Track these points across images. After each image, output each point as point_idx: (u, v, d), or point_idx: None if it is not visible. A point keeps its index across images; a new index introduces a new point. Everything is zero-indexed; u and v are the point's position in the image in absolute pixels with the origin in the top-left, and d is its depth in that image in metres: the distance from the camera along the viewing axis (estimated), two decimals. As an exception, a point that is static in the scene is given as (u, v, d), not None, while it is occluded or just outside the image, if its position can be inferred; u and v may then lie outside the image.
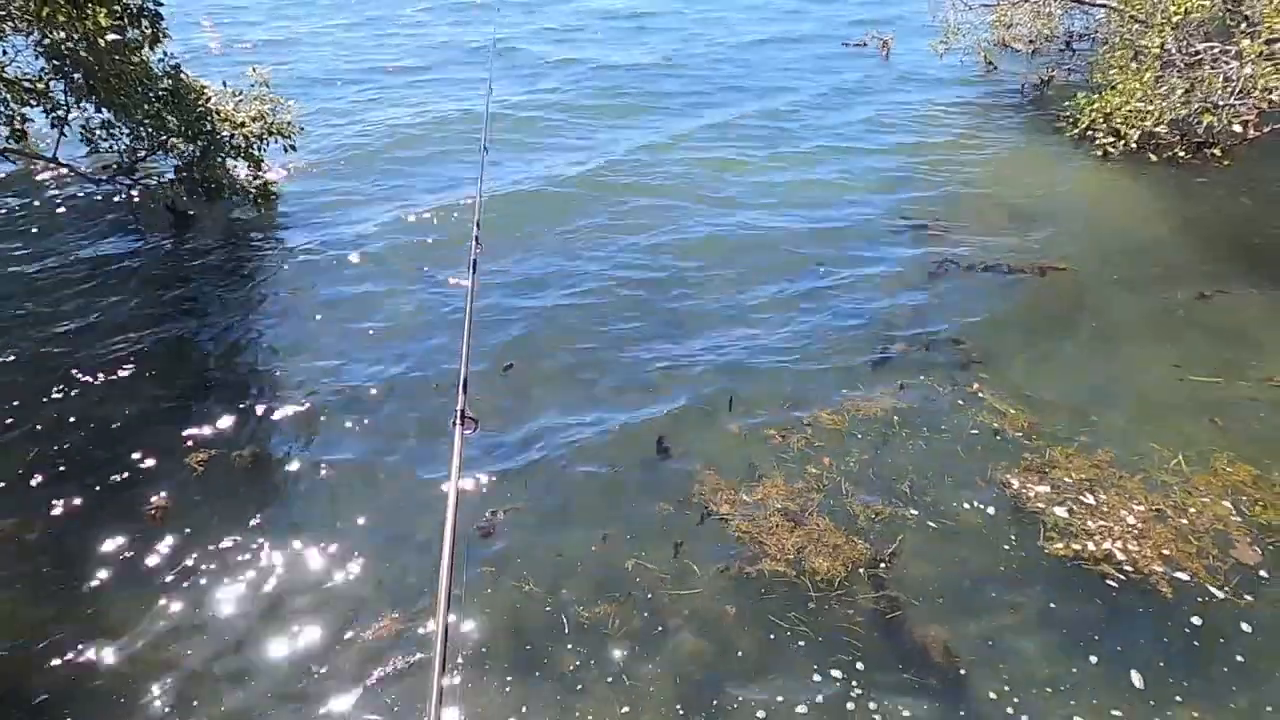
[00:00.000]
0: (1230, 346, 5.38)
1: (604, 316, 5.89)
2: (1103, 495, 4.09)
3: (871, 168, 8.51)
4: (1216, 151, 8.07)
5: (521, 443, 4.64)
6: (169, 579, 3.81)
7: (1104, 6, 9.42)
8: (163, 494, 4.26)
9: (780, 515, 4.04)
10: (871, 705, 3.20)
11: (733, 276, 6.37)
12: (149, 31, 6.52)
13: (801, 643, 3.45)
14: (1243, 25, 6.94)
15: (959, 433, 4.60)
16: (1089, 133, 8.43)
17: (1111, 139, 8.22)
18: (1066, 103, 8.86)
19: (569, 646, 3.47)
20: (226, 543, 4.00)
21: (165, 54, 6.94)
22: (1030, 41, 10.68)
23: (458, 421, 2.22)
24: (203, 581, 3.81)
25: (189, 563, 3.89)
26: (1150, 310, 5.85)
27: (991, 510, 4.07)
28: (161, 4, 6.64)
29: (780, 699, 3.24)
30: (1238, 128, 7.15)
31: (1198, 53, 7.18)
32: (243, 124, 7.21)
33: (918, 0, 11.65)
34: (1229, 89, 6.86)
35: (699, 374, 5.20)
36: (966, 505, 4.10)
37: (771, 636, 3.48)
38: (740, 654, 3.42)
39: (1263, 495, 4.09)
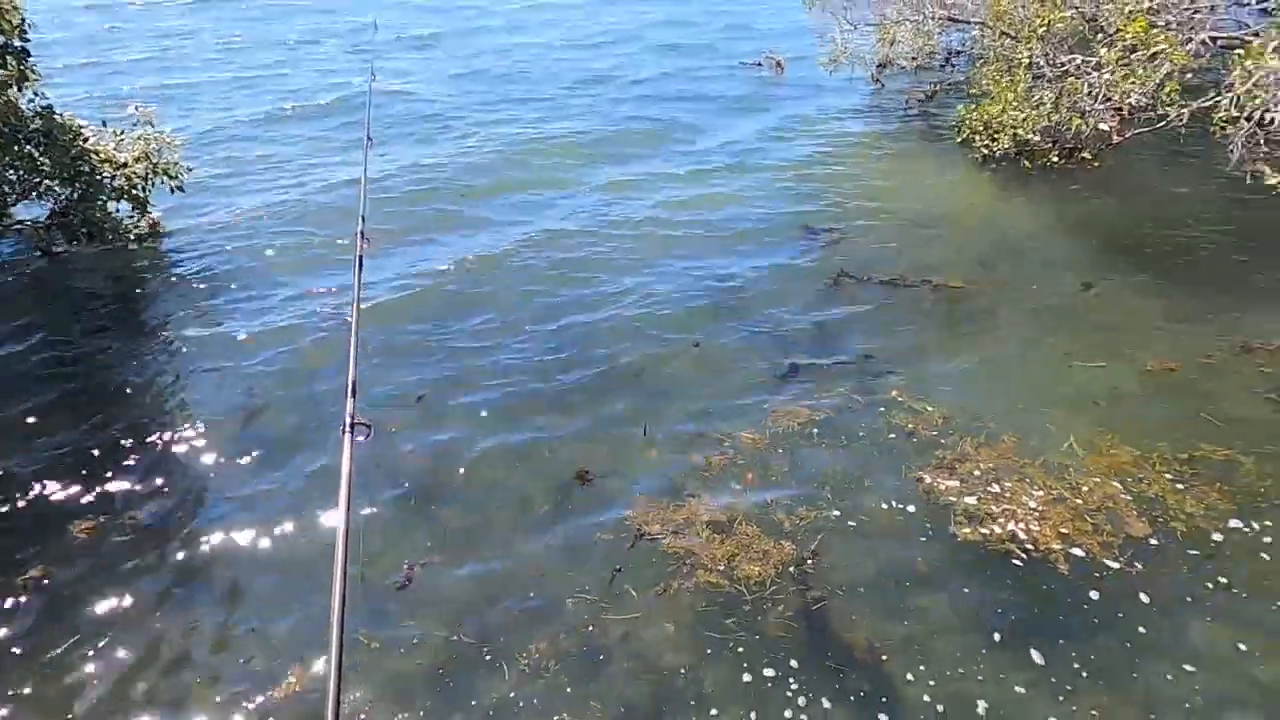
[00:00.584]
0: (1111, 334, 5.75)
1: (509, 340, 5.85)
2: (1007, 483, 4.29)
3: (770, 182, 8.76)
4: (1086, 155, 8.66)
5: (435, 476, 4.54)
6: (42, 654, 3.53)
7: (978, 24, 10.01)
8: (39, 562, 3.97)
9: (709, 528, 4.09)
10: (802, 701, 3.27)
11: (639, 294, 6.43)
12: (15, 70, 6.18)
13: (740, 648, 3.49)
14: (1099, 36, 7.47)
15: (874, 436, 4.75)
16: (971, 141, 8.92)
17: (990, 146, 8.71)
18: (950, 114, 9.38)
19: (507, 689, 3.38)
20: (104, 611, 3.74)
21: (36, 94, 6.61)
22: (913, 58, 11.22)
23: (347, 429, 2.07)
24: (78, 658, 3.54)
25: (63, 637, 3.61)
26: (1038, 306, 6.19)
27: (910, 507, 4.20)
28: (28, 40, 6.32)
29: (717, 706, 3.25)
30: (1104, 126, 7.68)
31: (1064, 64, 7.70)
32: (125, 164, 6.91)
33: (807, 21, 12.09)
34: (1093, 95, 7.36)
35: (614, 395, 5.22)
36: (884, 504, 4.23)
37: (709, 649, 3.51)
38: (682, 670, 3.43)
39: (1144, 473, 4.36)
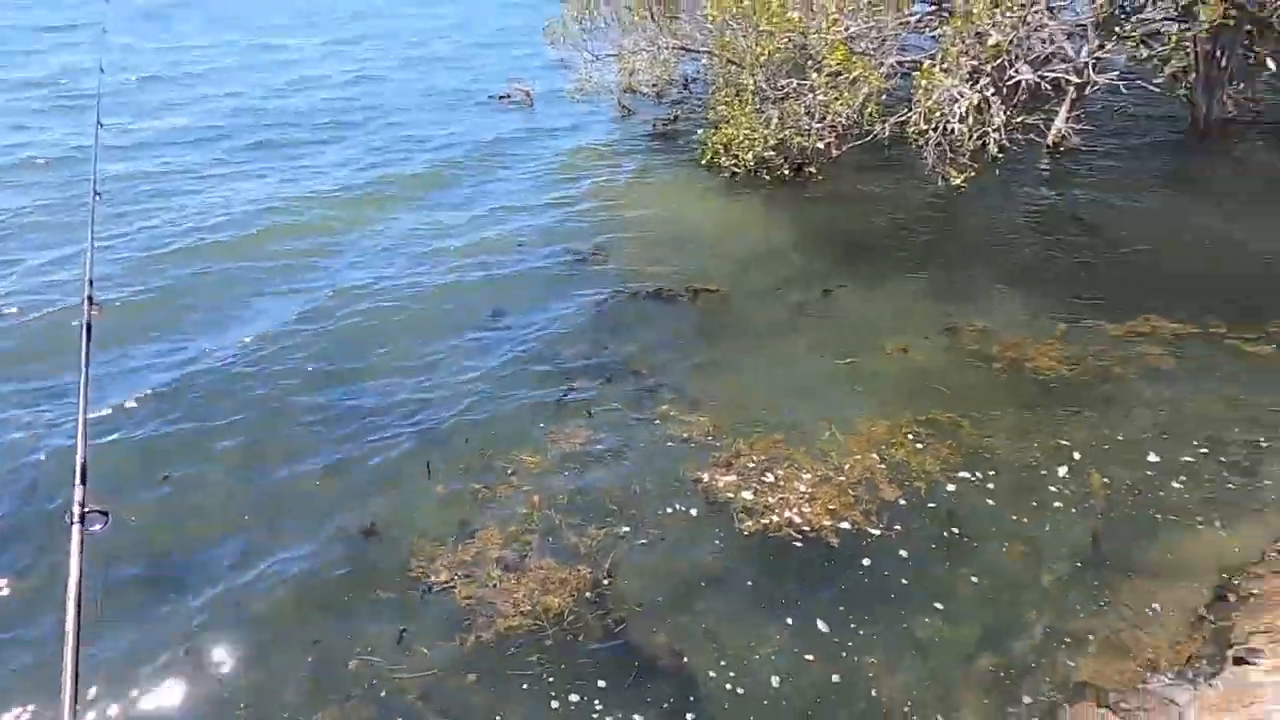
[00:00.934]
0: (855, 329, 6.37)
1: (272, 393, 5.40)
2: (780, 472, 4.59)
3: (533, 211, 8.86)
4: (812, 169, 9.61)
5: (188, 560, 4.05)
6: None
7: (706, 52, 10.79)
8: None
9: (501, 567, 3.97)
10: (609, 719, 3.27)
11: (407, 334, 6.21)
12: None
13: (550, 678, 3.42)
14: (809, 63, 8.34)
15: (652, 444, 4.89)
16: (716, 161, 9.55)
17: (734, 165, 9.39)
18: (693, 137, 10.02)
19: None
20: None
21: None
22: (654, 86, 11.86)
23: (76, 519, 1.75)
24: None
25: None
26: (789, 309, 6.73)
27: (694, 510, 4.36)
28: None
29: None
30: (821, 145, 8.58)
31: (783, 87, 8.50)
32: None
33: (551, 53, 12.39)
34: (810, 115, 8.19)
35: (392, 443, 4.96)
36: (669, 510, 4.35)
37: (514, 688, 3.39)
38: (487, 712, 3.29)
39: (894, 439, 4.88)
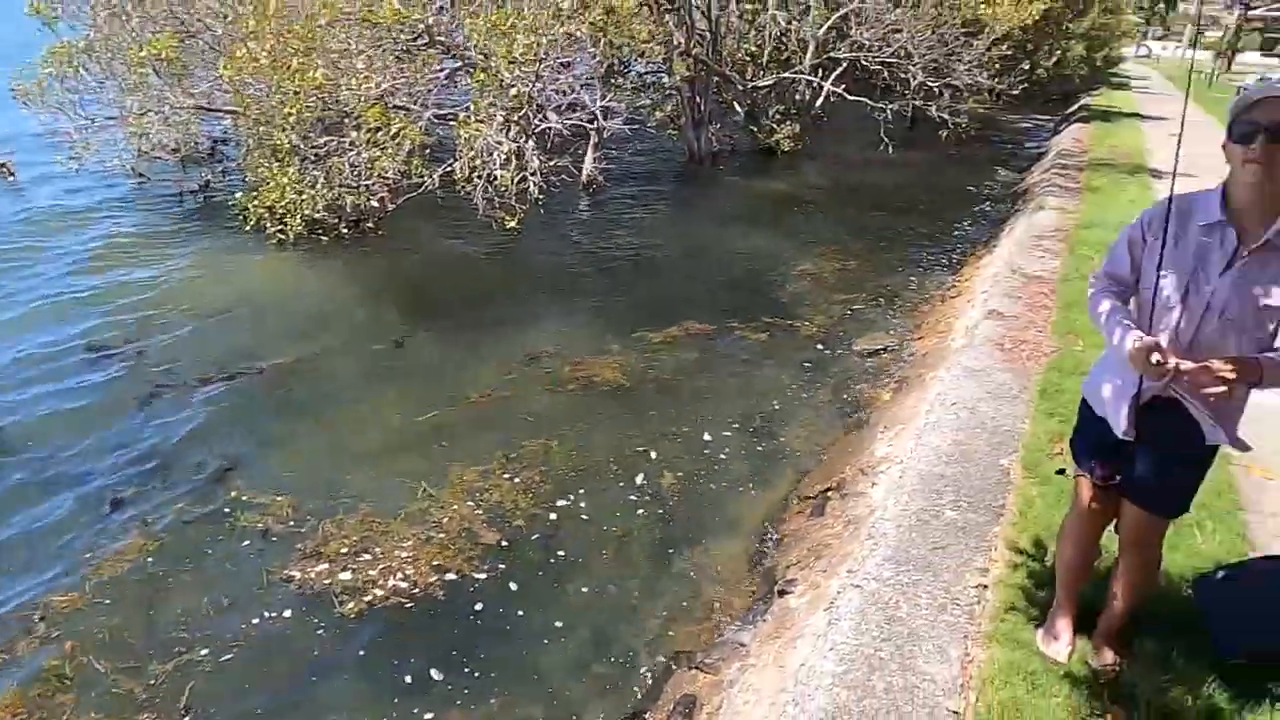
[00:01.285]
0: (433, 378, 6.38)
1: None
2: (377, 546, 4.38)
3: (43, 305, 7.36)
4: (370, 224, 9.49)
5: None
6: None
7: (229, 112, 10.00)
8: None
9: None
10: None
11: None
12: None
13: None
14: (347, 120, 8.21)
15: (226, 547, 4.35)
16: (262, 226, 8.88)
17: (281, 229, 8.82)
18: (230, 204, 9.19)
19: None
20: None
21: None
22: (175, 149, 10.64)
23: None
24: None
25: None
26: (363, 370, 6.50)
27: (287, 611, 3.95)
28: None
29: None
30: (375, 203, 8.51)
31: (323, 145, 8.24)
32: None
33: (28, 116, 10.35)
34: (356, 172, 8.07)
35: None
36: (257, 619, 3.89)
37: None
38: None
39: (486, 484, 4.98)
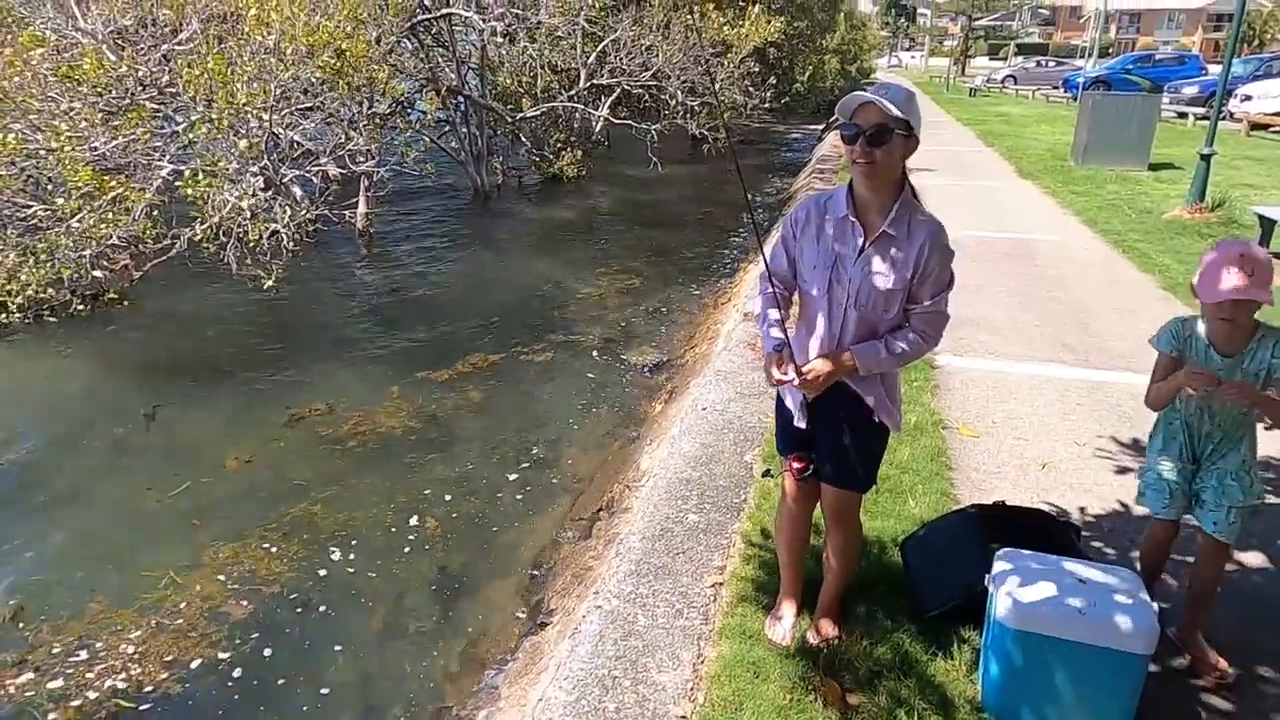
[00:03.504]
0: (186, 452, 5.85)
1: None
2: (99, 643, 3.92)
3: None
4: (112, 294, 8.63)
5: None
6: None
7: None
8: None
9: None
10: None
11: None
12: None
13: None
14: (51, 187, 7.43)
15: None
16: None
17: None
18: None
19: None
20: None
21: None
22: None
23: None
24: None
25: None
26: (104, 456, 5.85)
27: None
28: None
29: None
30: (100, 273, 7.74)
31: (29, 216, 7.40)
32: None
33: None
34: (77, 244, 7.29)
35: None
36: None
37: None
38: None
39: (242, 555, 4.61)
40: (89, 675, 3.72)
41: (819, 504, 3.01)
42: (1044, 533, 3.20)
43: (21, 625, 4.07)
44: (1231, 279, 2.49)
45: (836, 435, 2.76)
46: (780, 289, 2.79)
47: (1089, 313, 7.16)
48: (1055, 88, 36.26)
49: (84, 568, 4.60)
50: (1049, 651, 2.53)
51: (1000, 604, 2.59)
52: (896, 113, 2.39)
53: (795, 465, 2.84)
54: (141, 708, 3.58)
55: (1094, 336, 6.54)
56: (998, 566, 2.72)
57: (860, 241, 2.57)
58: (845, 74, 28.30)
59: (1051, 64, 46.74)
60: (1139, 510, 3.41)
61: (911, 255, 2.51)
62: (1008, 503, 3.45)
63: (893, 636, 3.02)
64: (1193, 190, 10.96)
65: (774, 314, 2.72)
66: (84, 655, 3.84)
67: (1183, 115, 23.40)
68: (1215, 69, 25.43)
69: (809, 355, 2.70)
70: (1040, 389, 5.50)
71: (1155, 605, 2.55)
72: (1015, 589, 2.59)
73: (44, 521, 5.09)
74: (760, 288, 2.83)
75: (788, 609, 3.18)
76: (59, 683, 3.68)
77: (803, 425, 2.78)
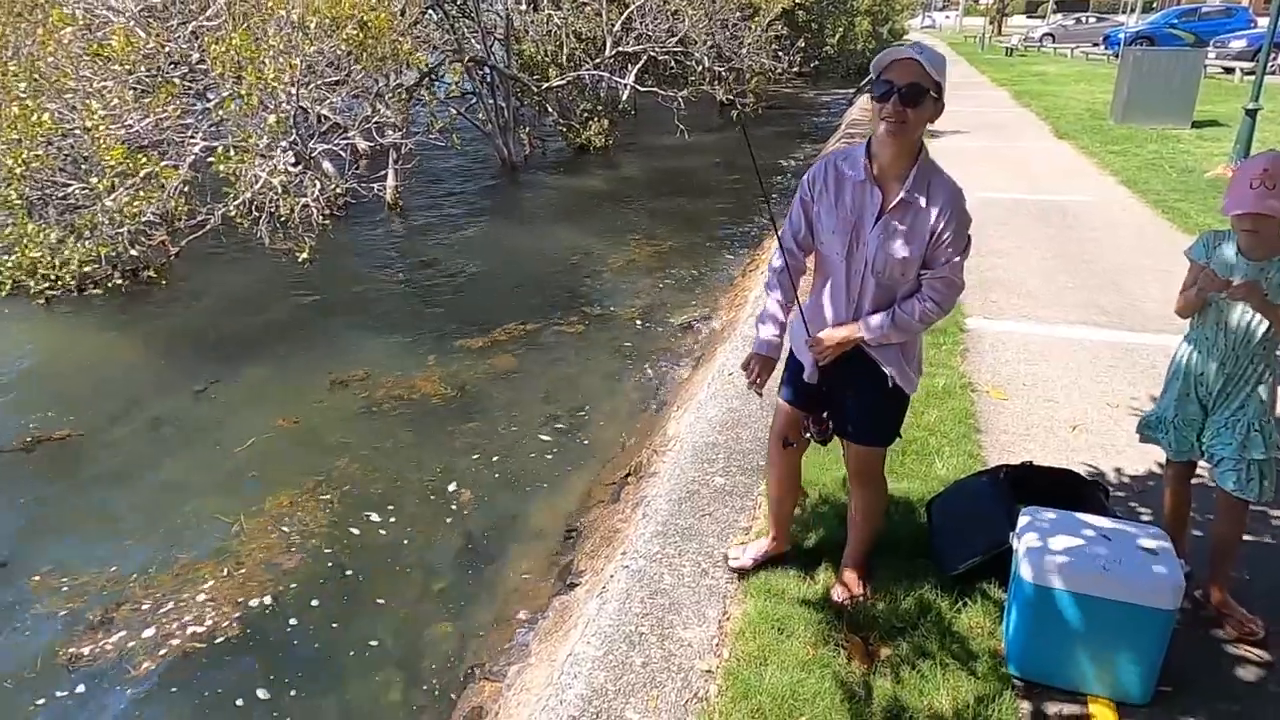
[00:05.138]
0: (237, 417, 6.03)
1: None
2: (183, 595, 4.10)
3: None
4: (151, 273, 8.82)
5: None
6: None
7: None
8: None
9: None
10: None
11: None
12: None
13: None
14: (86, 166, 7.58)
15: (11, 640, 3.95)
16: (26, 288, 8.05)
17: (50, 288, 8.05)
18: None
19: None
20: None
21: None
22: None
23: None
24: None
25: None
26: (159, 425, 6.03)
27: (79, 688, 3.61)
28: None
29: None
30: (134, 250, 7.91)
31: (66, 196, 7.57)
32: None
33: None
34: (113, 220, 7.44)
35: None
36: (36, 704, 3.54)
37: None
38: None
39: (296, 508, 4.78)
40: (169, 626, 3.91)
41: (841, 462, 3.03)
42: (1072, 492, 3.19)
43: (110, 584, 4.27)
44: (1251, 192, 2.47)
45: (857, 395, 2.77)
46: (795, 260, 2.79)
47: (1125, 274, 7.01)
48: (1095, 45, 35.10)
49: (154, 526, 4.79)
50: (1073, 607, 2.53)
51: (1024, 560, 2.60)
52: (932, 73, 2.35)
53: (815, 428, 2.85)
54: (213, 652, 3.76)
55: (1130, 298, 6.41)
56: (1022, 523, 2.72)
57: (878, 207, 2.54)
58: (876, 35, 27.64)
59: (1092, 20, 45.22)
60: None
61: (929, 219, 2.48)
62: (1035, 463, 3.44)
63: (917, 594, 3.04)
64: (1237, 147, 10.61)
65: (773, 305, 2.78)
66: (168, 606, 4.03)
67: (1229, 70, 22.55)
68: (1265, 22, 24.42)
69: (826, 318, 2.70)
70: (1073, 351, 5.42)
71: (1182, 562, 2.54)
72: (1039, 545, 2.59)
73: (103, 492, 5.28)
74: (777, 257, 2.82)
75: (758, 545, 3.27)
76: (150, 631, 3.87)
77: (813, 379, 2.78)
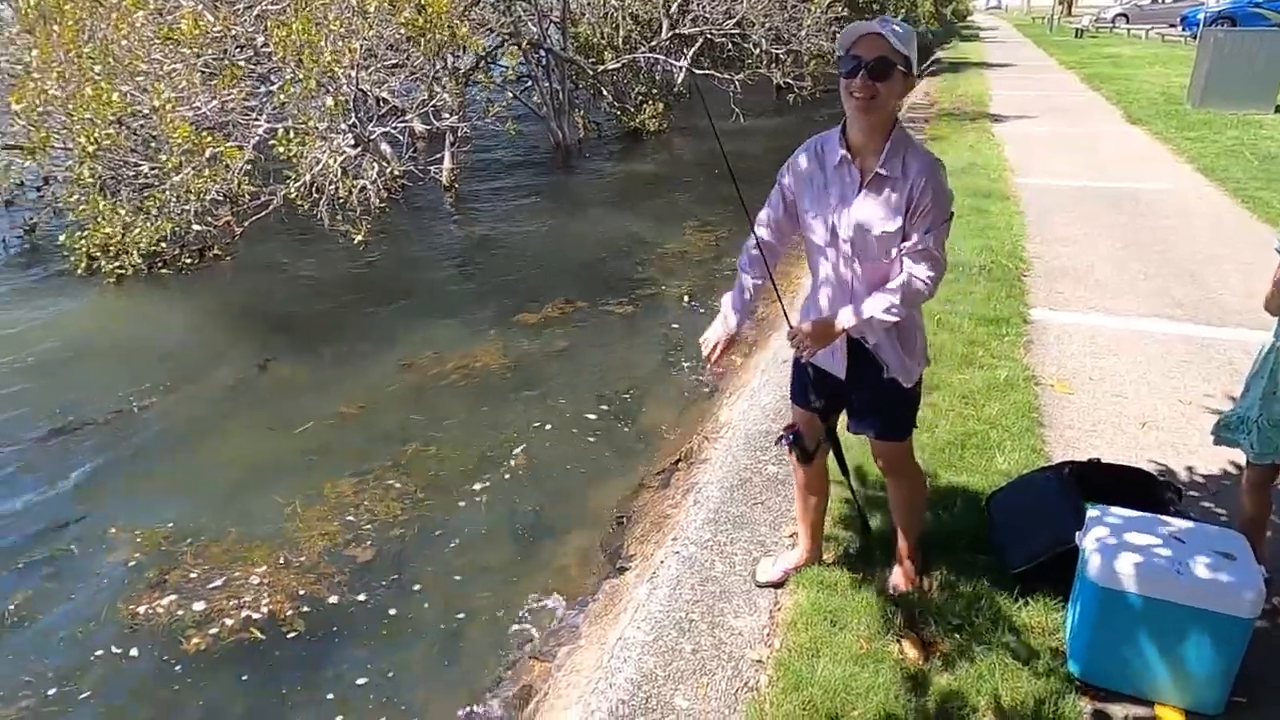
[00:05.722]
0: (300, 397, 6.17)
1: None
2: (235, 573, 4.22)
3: None
4: (217, 251, 9.09)
5: None
6: None
7: (17, 148, 9.36)
8: None
9: None
10: None
11: None
12: None
13: None
14: (153, 146, 7.80)
15: (84, 582, 4.13)
16: (98, 266, 8.37)
17: (120, 267, 8.35)
18: (57, 244, 8.65)
19: None
20: None
21: None
22: (-3, 194, 9.94)
23: None
24: None
25: None
26: (224, 401, 6.21)
27: (134, 650, 3.76)
28: None
29: None
30: (199, 227, 8.15)
31: (137, 176, 7.81)
32: None
33: None
34: (180, 199, 7.66)
35: None
36: (107, 652, 3.70)
37: None
38: None
39: (358, 496, 4.86)
40: (223, 604, 4.02)
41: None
42: (1142, 492, 3.07)
43: (171, 549, 4.43)
44: None
45: (864, 391, 2.71)
46: (768, 242, 2.73)
47: (1202, 265, 6.71)
48: (1172, 26, 33.58)
49: (213, 498, 4.95)
50: (1143, 612, 2.44)
51: (1091, 561, 2.51)
52: (900, 47, 2.28)
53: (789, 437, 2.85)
54: (271, 637, 3.86)
55: (1206, 290, 6.14)
56: (1090, 522, 2.63)
57: (857, 184, 2.47)
58: (939, 17, 26.89)
59: (1169, 0, 43.27)
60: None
61: (905, 191, 2.39)
62: (1103, 460, 3.32)
63: (976, 591, 2.96)
64: (1326, 133, 10.05)
65: (738, 286, 2.73)
66: (219, 582, 4.15)
67: (1318, 52, 21.34)
68: (1360, -1, 23.10)
69: (821, 307, 2.64)
70: (1143, 345, 5.22)
71: (1262, 569, 2.43)
72: (1108, 546, 2.50)
73: (169, 463, 5.47)
74: (751, 239, 2.76)
75: (786, 558, 3.20)
76: (201, 605, 4.00)
77: (825, 367, 2.72)
